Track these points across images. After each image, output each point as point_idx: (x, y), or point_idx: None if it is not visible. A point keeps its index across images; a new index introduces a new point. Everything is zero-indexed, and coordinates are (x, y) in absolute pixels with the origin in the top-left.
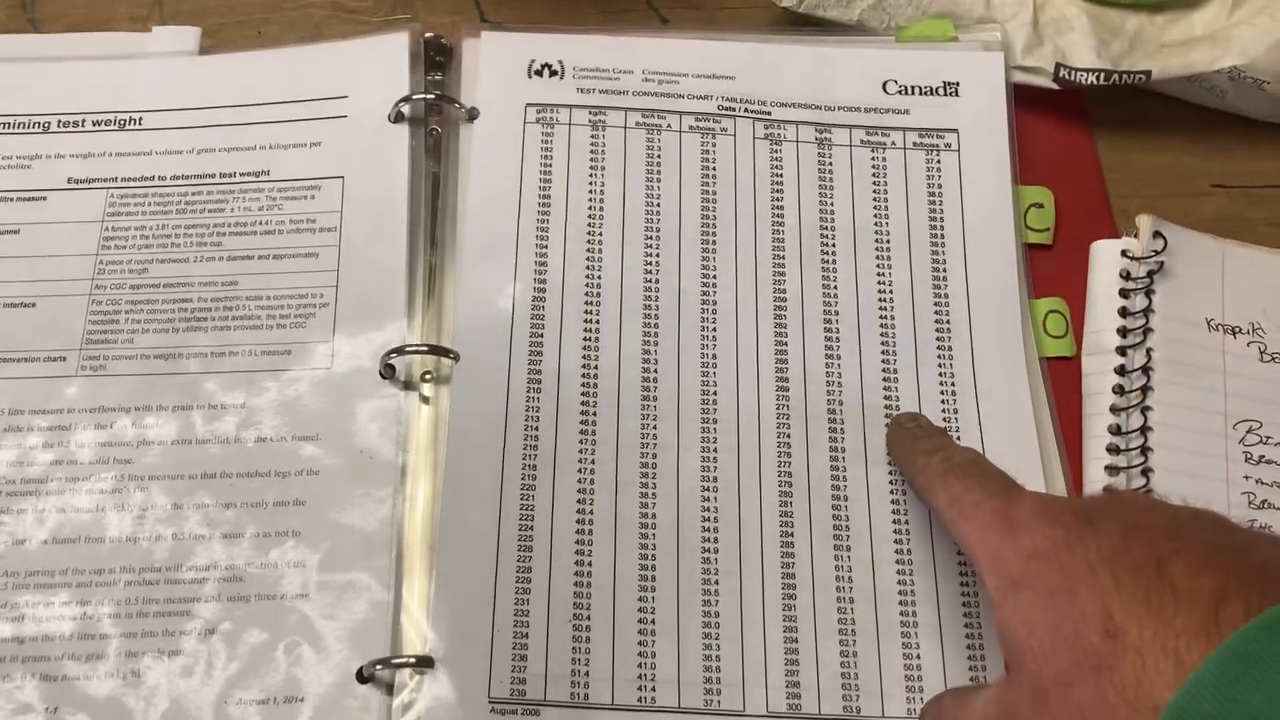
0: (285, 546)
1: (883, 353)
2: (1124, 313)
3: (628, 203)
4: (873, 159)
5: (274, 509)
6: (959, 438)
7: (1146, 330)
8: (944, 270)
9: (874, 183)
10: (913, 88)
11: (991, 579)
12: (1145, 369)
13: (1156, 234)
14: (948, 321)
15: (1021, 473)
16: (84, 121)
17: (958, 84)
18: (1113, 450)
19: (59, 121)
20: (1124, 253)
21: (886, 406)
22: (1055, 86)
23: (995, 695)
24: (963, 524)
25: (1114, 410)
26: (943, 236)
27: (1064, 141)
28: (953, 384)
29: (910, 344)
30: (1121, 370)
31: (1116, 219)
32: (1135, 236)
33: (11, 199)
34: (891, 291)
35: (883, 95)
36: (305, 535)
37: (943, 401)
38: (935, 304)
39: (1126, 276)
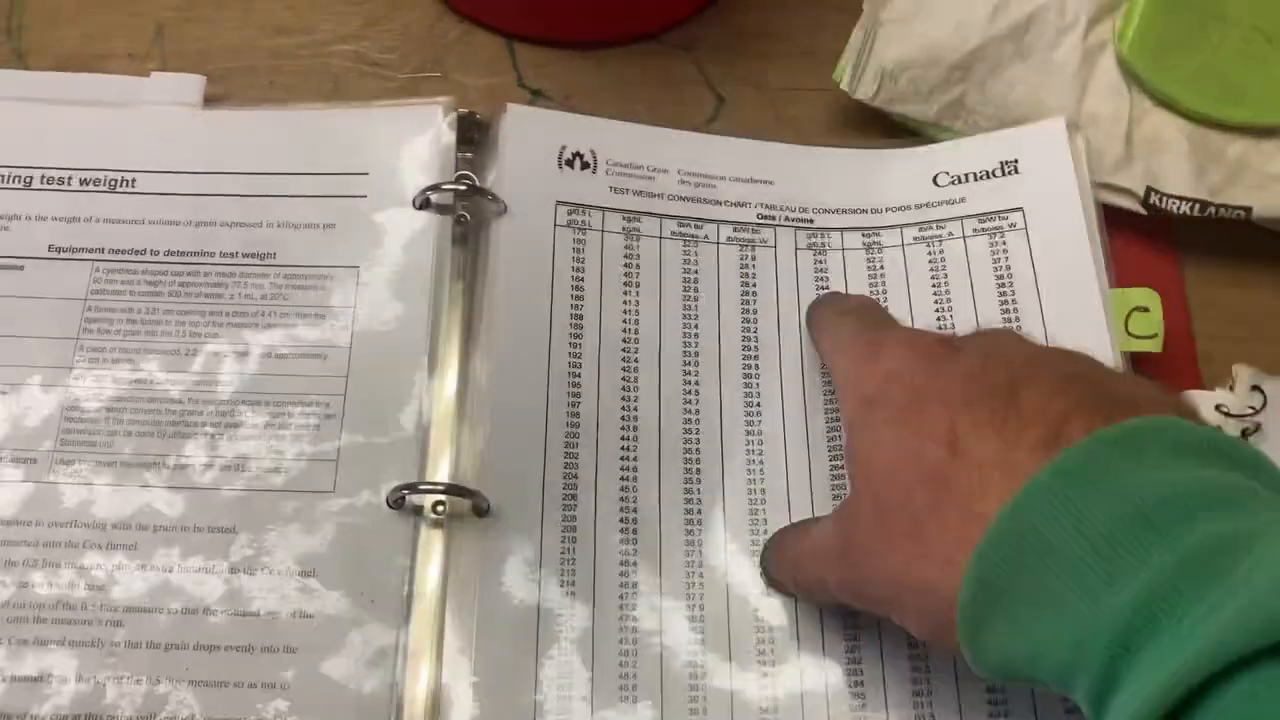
0: (272, 704)
1: None
2: None
3: (665, 325)
4: (929, 253)
5: (261, 655)
6: None
7: None
8: None
9: (933, 278)
10: (966, 175)
11: (848, 402)
12: None
13: (1254, 388)
14: None
15: None
16: (70, 179)
17: (1016, 161)
18: None
19: (42, 177)
20: (1218, 407)
21: None
22: (1143, 211)
23: (835, 515)
24: (836, 356)
25: None
26: (1020, 328)
27: (1150, 271)
28: None
29: None
30: None
31: (1201, 364)
32: (1230, 389)
33: None
34: None
35: (933, 189)
36: (294, 689)
37: None
38: None
39: None
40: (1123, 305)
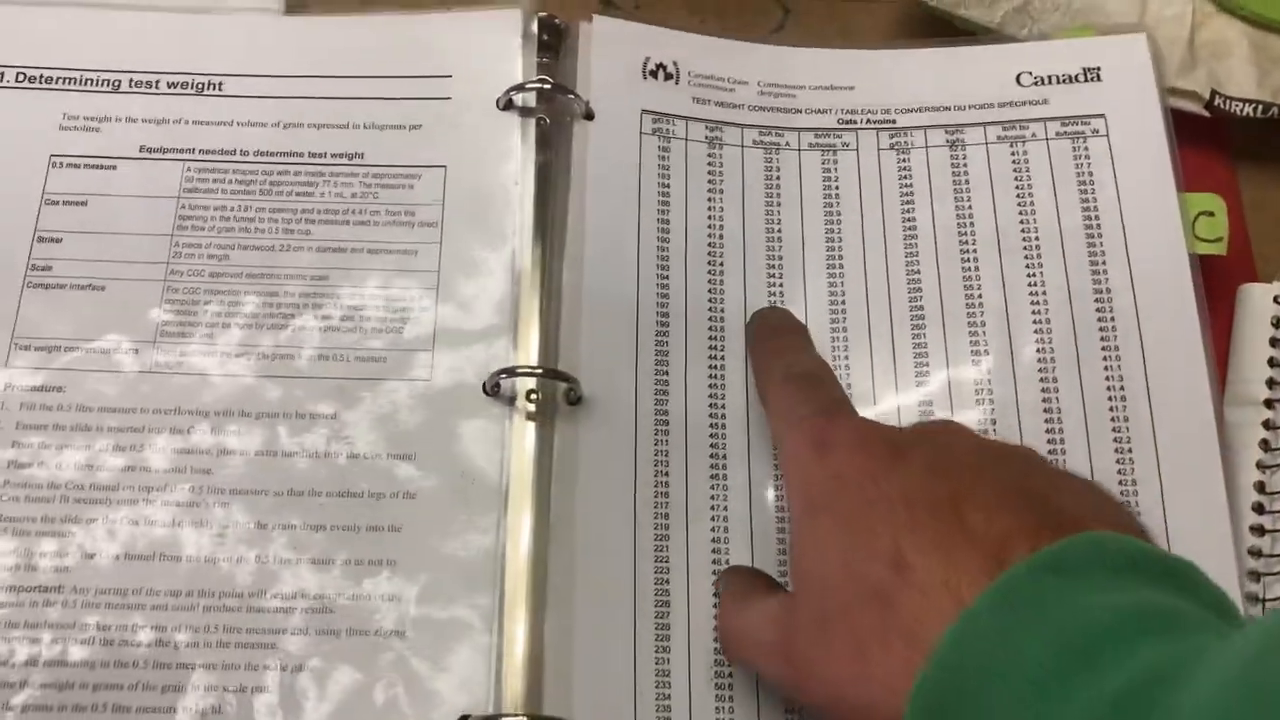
0: (380, 577)
1: (1039, 366)
2: (1272, 363)
3: (748, 229)
4: (1012, 154)
5: (367, 534)
6: (1133, 463)
7: None
8: (1104, 269)
9: (1015, 179)
10: (1049, 77)
11: (796, 500)
12: None
13: None
14: (1113, 324)
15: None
16: (158, 83)
17: (1099, 69)
18: (1257, 509)
19: (131, 80)
20: (1276, 299)
21: (1048, 430)
22: (1206, 114)
23: (775, 615)
24: (785, 436)
25: (1260, 467)
26: (1100, 230)
27: (1206, 174)
28: (1122, 394)
29: (1071, 353)
30: (1268, 424)
31: (1256, 262)
32: None
33: (78, 165)
34: (1045, 295)
35: (1017, 88)
36: (401, 565)
37: (1111, 412)
38: (1098, 306)
39: (1276, 324)
40: (1191, 210)
